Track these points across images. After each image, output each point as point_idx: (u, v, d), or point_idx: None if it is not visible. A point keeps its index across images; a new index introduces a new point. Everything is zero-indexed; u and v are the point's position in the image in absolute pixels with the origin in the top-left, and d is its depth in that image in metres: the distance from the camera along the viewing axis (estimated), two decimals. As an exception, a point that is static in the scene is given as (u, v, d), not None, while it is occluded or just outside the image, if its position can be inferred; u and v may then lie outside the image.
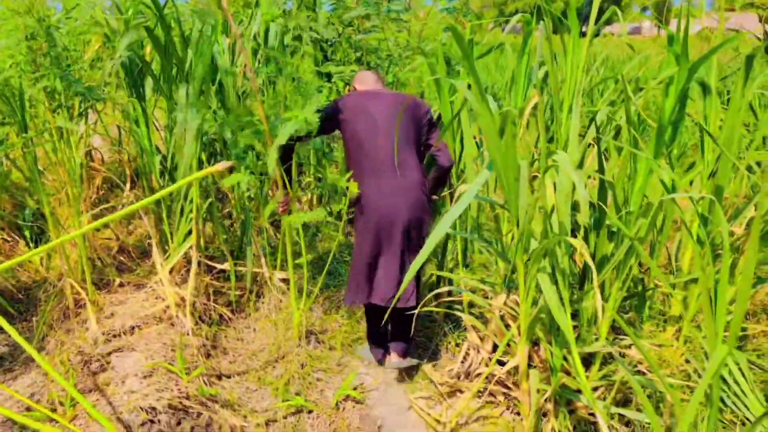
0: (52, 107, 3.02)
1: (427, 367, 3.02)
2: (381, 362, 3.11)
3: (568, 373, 2.39)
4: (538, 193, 2.10)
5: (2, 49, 2.78)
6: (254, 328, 3.62)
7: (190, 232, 3.49)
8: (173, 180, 3.57)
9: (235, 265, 3.70)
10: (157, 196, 2.57)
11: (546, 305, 2.22)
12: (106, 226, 4.16)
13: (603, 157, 2.37)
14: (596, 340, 2.40)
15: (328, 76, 4.21)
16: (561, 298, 2.23)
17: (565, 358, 2.34)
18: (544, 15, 2.35)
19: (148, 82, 3.40)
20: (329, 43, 4.63)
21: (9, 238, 4.24)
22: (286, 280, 3.86)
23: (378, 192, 2.79)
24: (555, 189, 2.27)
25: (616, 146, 2.36)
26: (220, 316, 3.59)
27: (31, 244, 4.21)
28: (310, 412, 2.82)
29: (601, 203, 2.40)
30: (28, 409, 2.78)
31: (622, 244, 2.25)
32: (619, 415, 2.44)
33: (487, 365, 2.80)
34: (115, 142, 4.71)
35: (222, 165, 2.37)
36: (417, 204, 2.82)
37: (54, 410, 2.68)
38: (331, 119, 2.90)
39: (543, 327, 2.43)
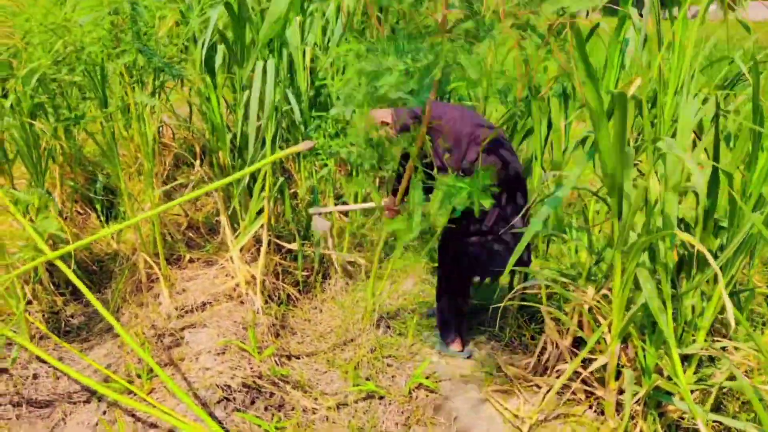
0: (131, 82, 3.02)
1: (501, 360, 2.92)
2: (461, 351, 3.04)
3: (660, 374, 2.26)
4: (643, 182, 1.96)
5: (85, 25, 2.78)
6: (321, 309, 3.60)
7: (260, 211, 3.48)
8: (242, 157, 3.56)
9: (302, 245, 3.67)
10: (237, 175, 2.54)
11: (644, 302, 2.08)
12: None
13: (714, 145, 2.19)
14: (693, 341, 2.25)
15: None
16: (661, 296, 2.09)
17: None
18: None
19: (219, 59, 3.36)
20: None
21: (81, 211, 4.34)
22: (352, 263, 3.82)
23: None
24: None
25: (733, 132, 2.18)
26: (288, 295, 3.59)
27: (102, 217, 4.30)
28: (381, 398, 2.77)
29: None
30: (105, 380, 2.84)
31: (732, 241, 2.08)
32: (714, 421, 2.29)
33: (565, 361, 2.68)
34: (182, 120, 4.74)
35: (305, 145, 2.31)
36: None
37: (131, 382, 2.72)
38: None
39: (635, 325, 2.29)
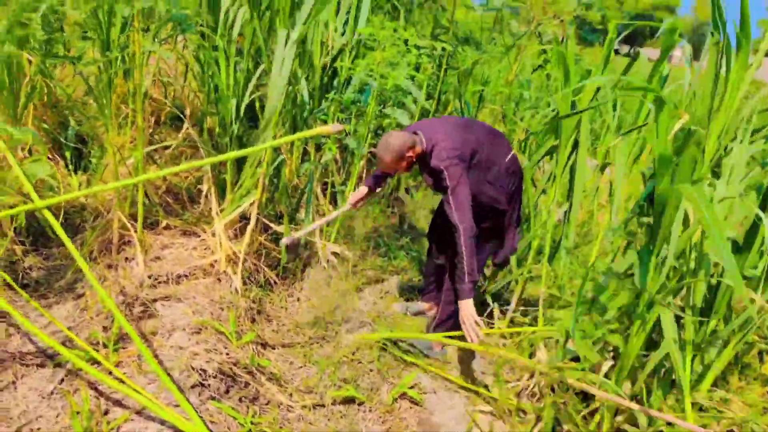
0: (139, 28, 2.78)
1: (490, 379, 2.85)
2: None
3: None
4: (695, 227, 1.91)
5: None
6: (299, 298, 3.45)
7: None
8: (244, 127, 3.36)
9: (291, 229, 3.50)
10: (256, 149, 2.36)
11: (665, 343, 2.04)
12: (154, 162, 3.93)
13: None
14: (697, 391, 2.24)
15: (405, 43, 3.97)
16: (681, 340, 2.05)
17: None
18: (714, 29, 2.13)
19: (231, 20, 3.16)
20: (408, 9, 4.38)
21: (50, 157, 4.00)
22: (337, 254, 3.67)
23: None
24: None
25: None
26: (266, 279, 3.41)
27: (71, 166, 3.98)
28: (361, 403, 2.65)
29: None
30: (64, 344, 2.60)
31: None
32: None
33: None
34: (174, 77, 4.47)
35: (334, 127, 2.16)
36: None
37: (95, 351, 2.50)
38: None
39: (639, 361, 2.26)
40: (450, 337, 2.90)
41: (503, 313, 3.21)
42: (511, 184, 2.84)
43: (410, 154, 2.66)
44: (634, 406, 2.03)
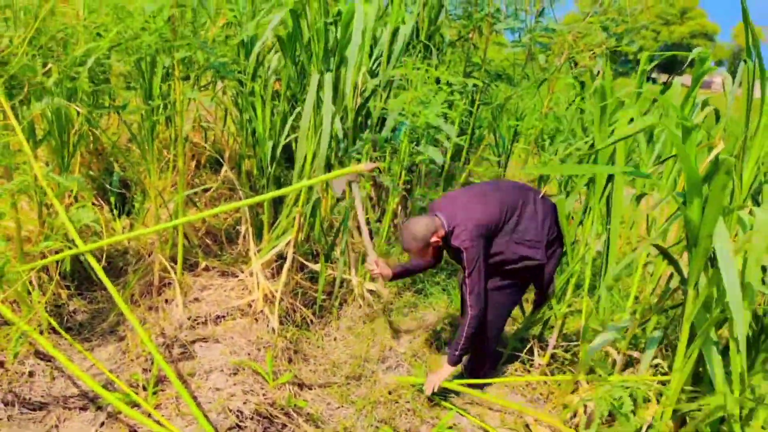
0: (179, 77, 2.90)
1: (529, 419, 2.75)
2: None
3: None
4: (736, 254, 1.84)
5: (143, 14, 2.67)
6: (335, 336, 3.43)
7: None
8: (277, 170, 3.43)
9: (326, 267, 3.51)
10: (295, 187, 2.40)
11: (709, 380, 1.95)
12: (194, 205, 4.04)
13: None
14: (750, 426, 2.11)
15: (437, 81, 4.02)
16: (728, 376, 1.95)
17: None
18: (748, 55, 2.09)
19: (273, 64, 3.26)
20: (439, 49, 4.45)
21: (95, 202, 4.16)
22: (372, 291, 3.66)
23: None
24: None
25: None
26: (303, 318, 3.41)
27: (115, 211, 4.12)
28: (400, 445, 2.59)
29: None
30: (106, 386, 2.64)
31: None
32: None
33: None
34: (213, 122, 4.62)
35: (367, 166, 2.19)
36: None
37: (135, 393, 2.52)
38: None
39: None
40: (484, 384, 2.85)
41: (543, 349, 3.13)
42: (549, 234, 2.80)
43: (435, 239, 2.69)
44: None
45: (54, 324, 2.53)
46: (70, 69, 2.67)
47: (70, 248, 2.18)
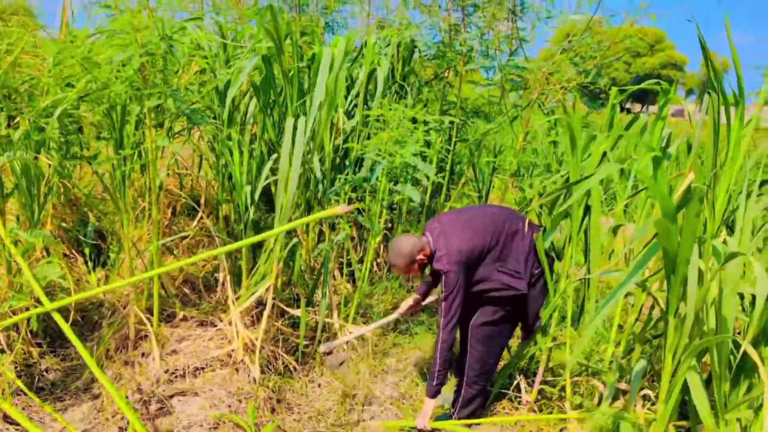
0: (150, 126, 2.87)
1: (522, 459, 2.68)
2: None
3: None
4: (709, 282, 1.83)
5: (115, 64, 2.65)
6: (319, 383, 3.33)
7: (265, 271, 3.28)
8: (256, 215, 3.39)
9: (307, 312, 3.44)
10: (259, 237, 2.36)
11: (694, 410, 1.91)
12: (171, 253, 3.96)
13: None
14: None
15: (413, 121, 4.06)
16: (713, 405, 1.92)
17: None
18: (710, 86, 2.13)
19: (250, 110, 3.26)
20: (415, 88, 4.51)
21: (69, 254, 4.06)
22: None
23: None
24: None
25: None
26: (285, 366, 3.32)
27: (90, 263, 4.03)
28: (389, 495, 2.49)
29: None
30: (79, 448, 2.52)
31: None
32: None
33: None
34: (189, 168, 4.58)
35: (342, 208, 2.16)
36: None
37: (110, 455, 2.41)
38: None
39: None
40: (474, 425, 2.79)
41: (530, 384, 3.07)
42: (533, 267, 2.79)
43: (421, 257, 2.72)
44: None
45: (21, 386, 2.42)
46: (37, 120, 2.63)
47: (36, 306, 2.09)
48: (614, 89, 2.50)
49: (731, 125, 2.15)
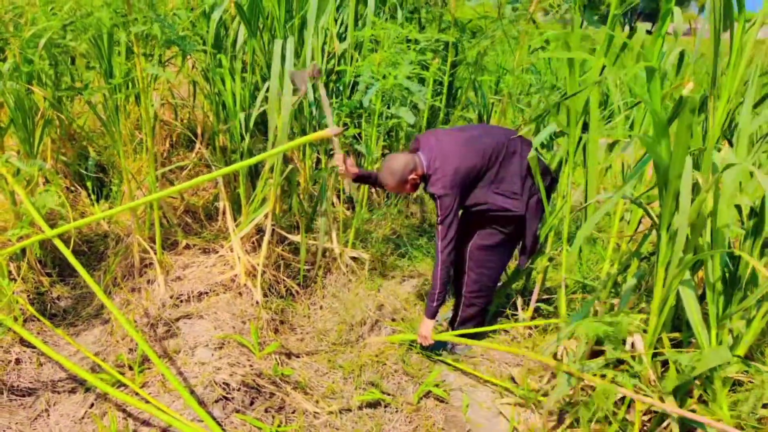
0: (139, 54, 2.83)
1: (515, 372, 2.79)
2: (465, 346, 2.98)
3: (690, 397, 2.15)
4: (703, 195, 1.84)
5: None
6: (321, 305, 3.44)
7: (264, 198, 3.32)
8: (251, 143, 3.39)
9: (306, 237, 3.50)
10: (257, 158, 2.37)
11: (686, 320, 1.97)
12: (171, 183, 4.00)
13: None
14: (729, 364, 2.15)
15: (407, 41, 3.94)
16: (706, 317, 1.98)
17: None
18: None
19: (240, 36, 3.19)
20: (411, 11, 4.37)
21: (72, 188, 4.11)
22: (355, 258, 3.66)
23: None
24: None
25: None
26: (287, 289, 3.42)
27: (93, 196, 4.08)
28: (387, 405, 2.63)
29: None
30: (93, 369, 2.66)
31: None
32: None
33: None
34: (184, 98, 4.55)
35: (333, 130, 2.16)
36: None
37: (122, 374, 2.54)
38: None
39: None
40: (473, 336, 2.88)
41: (527, 303, 3.15)
42: (530, 189, 2.78)
43: (413, 176, 2.69)
44: (664, 406, 1.96)
45: (32, 311, 2.51)
46: (24, 51, 2.60)
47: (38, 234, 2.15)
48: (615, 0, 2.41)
49: (734, 33, 2.09)
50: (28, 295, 3.04)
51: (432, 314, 2.81)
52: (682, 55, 2.46)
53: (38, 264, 3.21)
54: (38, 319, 2.80)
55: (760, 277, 2.07)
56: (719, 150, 2.17)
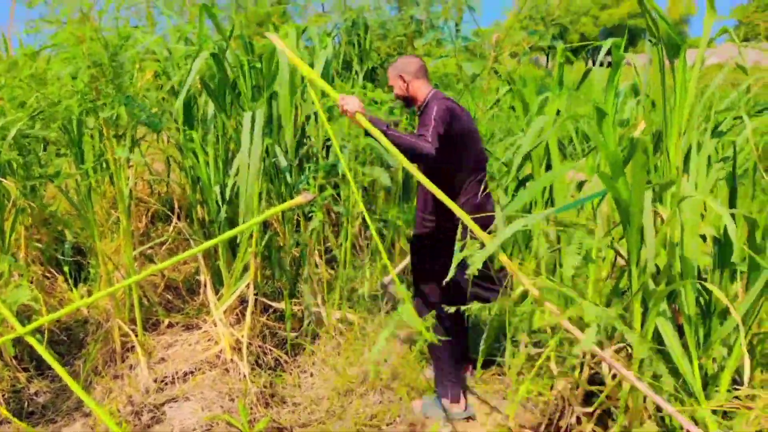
0: (110, 136, 2.84)
1: (511, 424, 2.73)
2: (462, 410, 2.85)
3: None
4: (665, 227, 1.86)
5: (63, 78, 2.61)
6: (311, 372, 3.36)
7: (245, 268, 3.28)
8: (230, 213, 3.38)
9: (291, 303, 3.46)
10: (234, 231, 2.36)
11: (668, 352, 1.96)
12: (150, 260, 3.95)
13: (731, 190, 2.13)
14: (716, 392, 2.13)
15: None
16: (686, 347, 1.97)
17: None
18: (652, 36, 2.14)
19: (210, 111, 3.24)
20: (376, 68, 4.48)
21: (48, 274, 4.03)
22: (342, 320, 3.61)
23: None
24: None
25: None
26: (275, 359, 3.34)
27: (70, 280, 4.01)
28: (387, 473, 2.54)
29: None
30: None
31: (752, 287, 1.99)
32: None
33: (579, 420, 2.51)
34: (158, 174, 4.55)
35: (304, 197, 2.16)
36: None
37: (107, 469, 2.43)
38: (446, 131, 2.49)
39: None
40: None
41: (515, 345, 3.11)
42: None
43: (406, 79, 2.62)
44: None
45: (6, 414, 2.41)
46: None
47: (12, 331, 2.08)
48: (560, 46, 2.50)
49: (675, 71, 2.17)
50: (4, 395, 2.93)
51: (375, 122, 2.37)
52: (635, 89, 2.54)
53: (14, 360, 3.10)
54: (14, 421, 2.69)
55: (730, 309, 2.08)
56: (678, 182, 2.22)
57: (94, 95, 2.67)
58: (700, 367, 2.15)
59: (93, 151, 3.01)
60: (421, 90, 2.65)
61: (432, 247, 2.77)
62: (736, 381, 2.32)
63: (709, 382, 2.19)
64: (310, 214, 3.94)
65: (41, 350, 1.92)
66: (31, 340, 1.92)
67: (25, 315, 2.96)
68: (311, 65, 3.80)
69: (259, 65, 2.91)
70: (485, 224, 2.50)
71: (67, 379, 2.08)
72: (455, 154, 2.61)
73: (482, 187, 2.68)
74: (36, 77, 2.47)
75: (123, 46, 2.57)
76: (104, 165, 2.97)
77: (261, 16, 4.29)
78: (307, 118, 3.64)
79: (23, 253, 3.59)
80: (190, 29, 3.57)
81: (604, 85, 2.65)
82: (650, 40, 1.97)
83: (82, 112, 2.75)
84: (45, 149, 3.78)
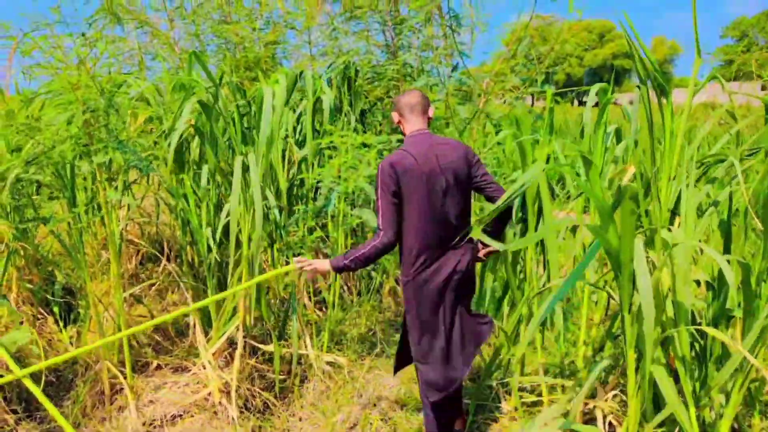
0: (103, 180, 2.88)
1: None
2: None
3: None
4: (657, 273, 1.90)
5: (58, 124, 2.67)
6: (300, 416, 3.33)
7: (234, 310, 3.29)
8: (219, 256, 3.40)
9: (280, 346, 3.45)
10: (219, 296, 2.37)
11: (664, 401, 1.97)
12: (139, 301, 3.95)
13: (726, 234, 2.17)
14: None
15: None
16: (682, 395, 1.98)
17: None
18: (642, 82, 2.22)
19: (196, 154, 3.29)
20: (366, 111, 4.58)
21: (39, 315, 4.02)
22: (331, 363, 3.60)
23: (442, 259, 2.52)
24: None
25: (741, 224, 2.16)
26: (264, 403, 3.31)
27: (60, 321, 3.99)
28: None
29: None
30: None
31: (749, 333, 2.01)
32: None
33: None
34: (147, 215, 4.58)
35: (291, 266, 2.19)
36: (471, 269, 2.59)
37: None
38: (396, 192, 2.43)
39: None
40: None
41: (508, 393, 3.11)
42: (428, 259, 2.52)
43: (397, 117, 2.60)
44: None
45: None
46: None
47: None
48: (549, 91, 2.58)
49: (665, 115, 2.24)
50: (-9, 438, 2.89)
51: (338, 267, 2.48)
52: (618, 134, 2.61)
53: (2, 401, 3.07)
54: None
55: (731, 349, 2.10)
56: (669, 228, 2.26)
57: (87, 140, 2.73)
58: (698, 415, 2.15)
59: (85, 193, 3.04)
60: (407, 130, 2.56)
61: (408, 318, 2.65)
62: (735, 430, 2.33)
63: (707, 430, 2.20)
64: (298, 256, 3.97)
65: (39, 394, 1.93)
66: (29, 383, 1.92)
67: (14, 355, 2.94)
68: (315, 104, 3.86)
69: (247, 110, 2.98)
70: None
71: (64, 424, 2.07)
72: (424, 204, 2.45)
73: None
74: (30, 125, 2.52)
75: (116, 93, 2.63)
76: (96, 207, 2.99)
77: (250, 61, 4.38)
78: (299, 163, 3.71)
79: (14, 295, 3.59)
80: (184, 79, 3.67)
81: (591, 128, 2.73)
82: (638, 87, 2.04)
83: (75, 157, 2.80)
84: (38, 192, 3.83)
